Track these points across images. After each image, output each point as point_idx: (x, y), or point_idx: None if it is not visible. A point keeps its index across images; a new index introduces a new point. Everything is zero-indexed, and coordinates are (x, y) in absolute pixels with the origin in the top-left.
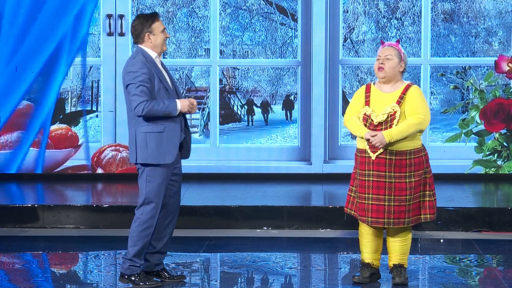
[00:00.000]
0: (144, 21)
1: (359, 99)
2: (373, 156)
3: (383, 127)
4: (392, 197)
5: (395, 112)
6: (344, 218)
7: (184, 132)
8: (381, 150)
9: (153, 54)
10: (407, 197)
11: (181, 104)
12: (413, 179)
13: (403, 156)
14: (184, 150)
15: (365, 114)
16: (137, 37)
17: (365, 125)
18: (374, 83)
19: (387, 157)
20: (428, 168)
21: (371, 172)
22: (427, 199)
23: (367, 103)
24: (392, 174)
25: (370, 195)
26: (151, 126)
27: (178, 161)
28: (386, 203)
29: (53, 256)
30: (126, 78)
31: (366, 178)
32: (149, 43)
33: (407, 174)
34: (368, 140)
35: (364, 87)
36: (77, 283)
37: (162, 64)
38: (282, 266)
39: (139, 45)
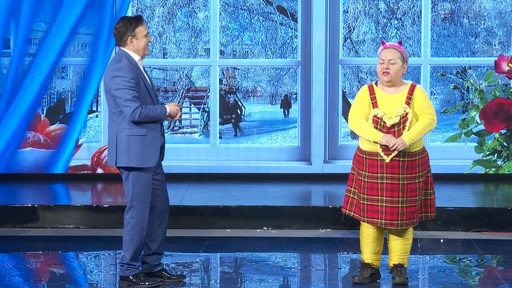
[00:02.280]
0: (128, 24)
1: (364, 100)
2: (387, 159)
3: (396, 129)
4: (405, 198)
5: (407, 113)
6: (342, 219)
7: (163, 136)
8: (396, 153)
9: (136, 58)
10: (417, 197)
11: (170, 109)
12: (420, 179)
13: (414, 157)
14: (161, 153)
15: (375, 116)
16: (120, 40)
17: (376, 127)
18: (376, 84)
19: (401, 159)
20: (429, 167)
21: (384, 174)
22: (429, 197)
23: (374, 105)
24: (405, 175)
25: (384, 198)
26: (134, 129)
27: (159, 163)
28: (400, 205)
29: (53, 256)
30: (113, 83)
31: (379, 181)
32: (131, 46)
33: (417, 174)
34: (386, 146)
35: (366, 88)
36: (77, 283)
37: (143, 67)
38: (282, 266)
39: (122, 48)
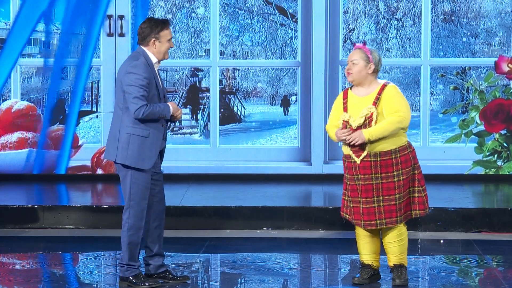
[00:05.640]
0: (154, 26)
1: (338, 107)
2: (358, 160)
3: (362, 130)
4: (381, 197)
5: (372, 113)
6: (344, 221)
7: (165, 141)
8: (365, 153)
9: (154, 59)
10: (396, 196)
11: (172, 107)
12: (401, 178)
13: (388, 155)
14: (160, 156)
15: (343, 120)
16: (143, 40)
17: None
18: (351, 88)
19: (372, 159)
20: (416, 164)
21: (358, 176)
22: (417, 195)
23: (345, 109)
24: (379, 175)
25: (360, 199)
26: (137, 129)
27: (158, 164)
28: (376, 204)
29: (53, 257)
30: (126, 78)
31: (356, 182)
32: (153, 48)
33: (395, 173)
34: (345, 140)
35: (341, 94)
36: (77, 284)
37: (157, 70)
38: (282, 266)
39: (142, 47)
